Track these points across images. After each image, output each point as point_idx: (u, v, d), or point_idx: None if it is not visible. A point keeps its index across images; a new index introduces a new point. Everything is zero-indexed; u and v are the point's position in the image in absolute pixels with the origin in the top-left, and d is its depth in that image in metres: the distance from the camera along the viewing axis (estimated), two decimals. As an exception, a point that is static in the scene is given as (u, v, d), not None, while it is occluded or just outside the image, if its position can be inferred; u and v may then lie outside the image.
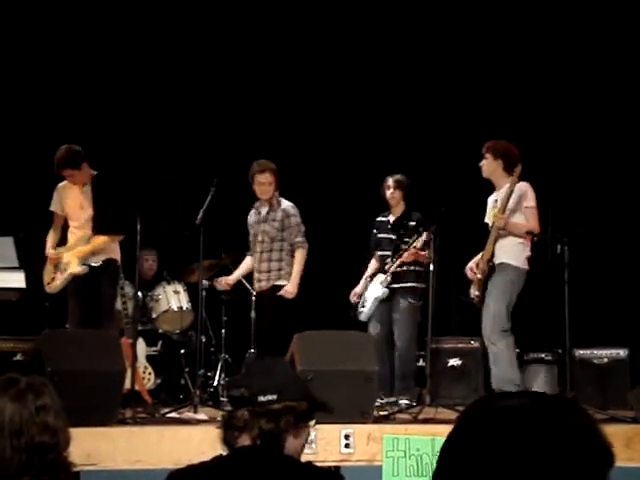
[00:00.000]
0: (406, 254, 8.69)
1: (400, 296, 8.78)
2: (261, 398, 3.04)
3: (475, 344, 9.14)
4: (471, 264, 7.94)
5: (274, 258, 8.60)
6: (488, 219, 8.00)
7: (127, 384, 7.23)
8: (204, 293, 8.26)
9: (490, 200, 8.06)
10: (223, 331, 9.59)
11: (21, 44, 10.31)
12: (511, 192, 7.71)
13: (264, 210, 8.65)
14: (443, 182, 10.65)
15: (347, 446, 6.69)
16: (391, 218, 9.02)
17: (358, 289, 8.96)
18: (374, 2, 10.89)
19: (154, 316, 9.45)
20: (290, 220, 8.66)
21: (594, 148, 10.52)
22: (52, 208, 8.37)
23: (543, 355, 9.19)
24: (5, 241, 7.70)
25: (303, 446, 3.14)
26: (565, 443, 1.48)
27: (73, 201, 8.29)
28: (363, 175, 10.46)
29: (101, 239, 8.16)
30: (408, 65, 11.01)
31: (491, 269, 7.76)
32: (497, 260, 7.77)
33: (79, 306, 8.25)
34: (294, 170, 10.71)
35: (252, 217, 8.73)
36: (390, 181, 9.00)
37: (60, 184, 8.34)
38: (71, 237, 8.36)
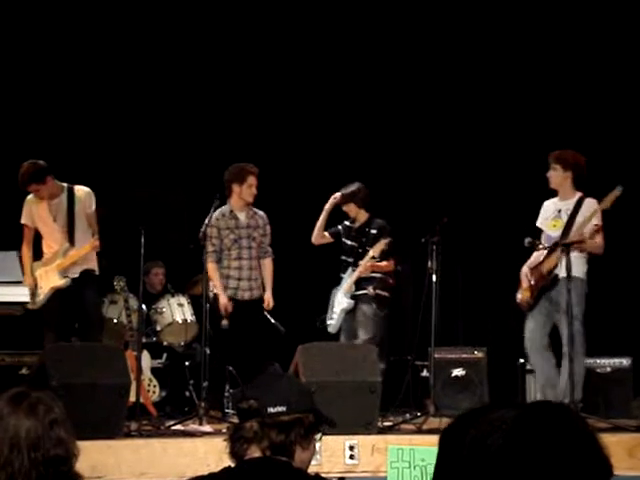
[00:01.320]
0: (362, 268, 8.64)
1: (361, 302, 8.71)
2: (271, 410, 3.05)
3: (479, 354, 9.14)
4: (526, 270, 7.97)
5: (255, 266, 8.52)
6: (547, 226, 7.99)
7: (132, 397, 7.25)
8: (208, 305, 8.26)
9: (550, 207, 8.04)
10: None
11: (26, 54, 10.35)
12: (579, 207, 7.80)
13: (242, 215, 8.50)
14: (445, 192, 10.67)
15: (352, 457, 6.70)
16: (355, 225, 8.91)
17: None
18: (357, 11, 10.90)
19: (158, 329, 9.45)
20: (267, 228, 8.61)
21: (599, 156, 10.52)
22: (23, 221, 8.24)
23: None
24: (9, 255, 7.72)
25: (310, 458, 3.16)
26: (565, 453, 1.50)
27: (45, 213, 8.19)
28: (370, 187, 10.48)
29: (81, 250, 8.11)
30: (407, 70, 11.03)
31: (553, 280, 7.79)
32: (564, 272, 7.72)
33: (56, 323, 8.14)
34: (294, 179, 10.75)
35: (226, 221, 8.44)
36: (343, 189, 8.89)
37: (29, 197, 8.23)
38: (47, 250, 8.24)
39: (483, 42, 10.83)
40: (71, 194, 8.19)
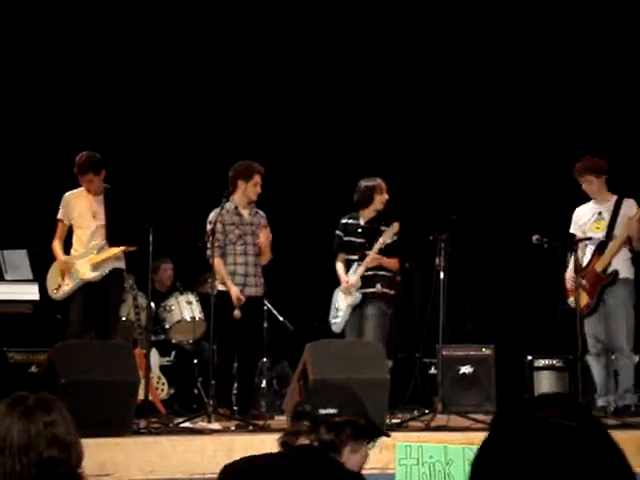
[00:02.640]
0: (369, 259, 8.52)
1: (369, 301, 8.62)
2: (322, 411, 3.22)
3: (487, 352, 9.15)
4: (571, 275, 8.11)
5: (259, 263, 8.53)
6: (590, 230, 8.14)
7: (141, 394, 7.27)
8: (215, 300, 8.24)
9: (587, 212, 8.21)
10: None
11: (32, 62, 10.37)
12: (619, 208, 8.04)
13: (246, 213, 8.50)
14: (453, 189, 10.68)
15: (360, 454, 6.71)
16: (361, 221, 8.74)
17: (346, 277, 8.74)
18: (366, 10, 10.90)
19: (167, 326, 9.47)
20: (268, 228, 8.61)
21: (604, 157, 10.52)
22: (60, 216, 8.33)
23: (554, 361, 9.20)
24: (19, 254, 7.74)
25: (361, 463, 3.31)
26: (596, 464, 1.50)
27: (85, 209, 8.27)
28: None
29: (114, 249, 8.19)
30: (416, 68, 11.03)
31: (614, 277, 7.98)
32: (619, 269, 8.00)
33: (82, 313, 8.22)
34: (302, 180, 10.76)
35: (230, 216, 8.43)
36: (384, 184, 8.72)
37: (68, 193, 8.33)
38: (79, 245, 8.32)
39: (495, 40, 10.84)
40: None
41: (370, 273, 8.61)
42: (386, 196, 8.70)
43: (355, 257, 8.69)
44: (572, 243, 8.08)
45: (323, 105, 11.00)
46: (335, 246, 8.84)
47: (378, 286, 8.64)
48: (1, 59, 10.25)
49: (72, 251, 8.36)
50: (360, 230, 8.74)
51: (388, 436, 3.43)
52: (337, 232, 8.82)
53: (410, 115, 11.07)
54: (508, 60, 10.81)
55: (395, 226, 8.47)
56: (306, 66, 10.97)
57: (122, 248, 8.18)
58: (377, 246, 8.53)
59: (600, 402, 8.07)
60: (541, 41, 10.68)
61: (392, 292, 8.73)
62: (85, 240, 8.30)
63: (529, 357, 9.21)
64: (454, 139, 10.98)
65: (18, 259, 7.66)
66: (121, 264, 8.34)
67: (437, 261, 8.07)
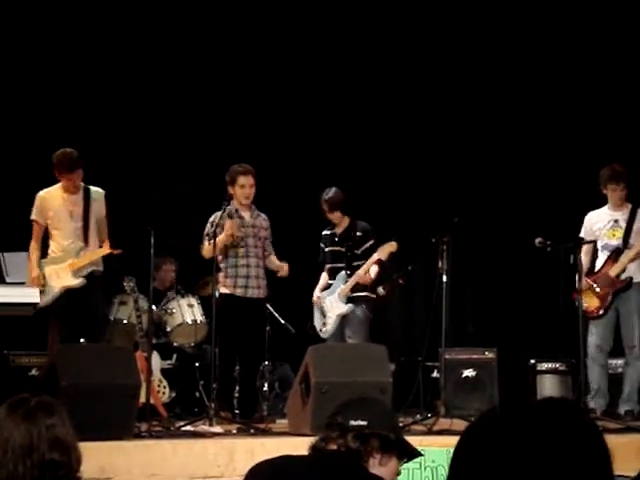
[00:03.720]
0: (361, 272, 8.58)
1: (355, 305, 8.68)
2: (352, 422, 3.34)
3: (489, 355, 9.12)
4: (585, 279, 8.11)
5: (262, 265, 8.53)
6: (606, 236, 8.19)
7: (142, 398, 7.25)
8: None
9: (602, 218, 8.24)
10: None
11: (32, 62, 10.37)
12: (635, 216, 8.15)
13: (247, 215, 8.49)
14: (456, 192, 10.66)
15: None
16: (337, 231, 8.85)
17: (318, 292, 8.88)
18: (356, 15, 10.90)
19: (168, 330, 9.44)
20: (269, 230, 8.61)
21: (605, 160, 10.51)
22: (34, 217, 8.10)
23: (557, 365, 9.18)
24: (20, 257, 7.73)
25: (389, 477, 3.36)
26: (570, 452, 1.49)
27: (60, 208, 8.08)
28: (381, 186, 10.48)
29: (98, 251, 8.10)
30: (420, 71, 11.02)
31: (628, 282, 8.06)
32: (634, 275, 8.10)
33: (64, 320, 8.10)
34: (306, 183, 10.75)
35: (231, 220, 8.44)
36: (322, 199, 8.79)
37: (41, 192, 8.14)
38: (56, 248, 8.13)
39: (497, 41, 10.83)
40: (88, 193, 8.16)
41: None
42: (327, 213, 8.75)
43: (341, 264, 8.78)
44: (574, 246, 8.06)
45: (327, 109, 10.98)
46: (320, 257, 8.97)
47: (380, 289, 8.67)
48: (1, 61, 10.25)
49: (50, 252, 8.16)
50: (337, 239, 8.84)
51: (421, 455, 3.58)
52: (320, 244, 8.96)
53: (412, 118, 11.06)
54: (510, 62, 10.80)
55: (391, 245, 8.51)
56: (307, 70, 10.96)
57: (105, 251, 8.08)
58: (371, 261, 8.57)
59: (591, 404, 8.06)
60: (542, 44, 10.67)
61: (374, 296, 8.78)
62: (63, 242, 8.11)
63: (532, 360, 9.19)
64: (456, 142, 10.97)
65: (20, 262, 7.65)
66: (99, 266, 8.17)
67: (439, 264, 8.06)
